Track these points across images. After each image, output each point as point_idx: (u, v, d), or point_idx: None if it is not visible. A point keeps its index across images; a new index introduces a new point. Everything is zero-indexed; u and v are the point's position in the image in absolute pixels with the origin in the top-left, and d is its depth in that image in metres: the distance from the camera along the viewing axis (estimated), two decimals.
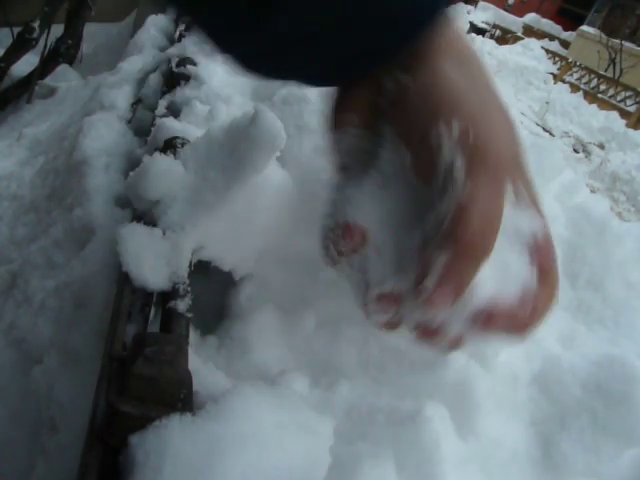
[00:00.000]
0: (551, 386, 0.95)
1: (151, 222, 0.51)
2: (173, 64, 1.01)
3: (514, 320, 0.22)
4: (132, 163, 0.89)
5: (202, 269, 0.83)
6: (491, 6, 12.62)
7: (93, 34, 3.33)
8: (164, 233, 0.49)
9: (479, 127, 0.20)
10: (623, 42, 9.93)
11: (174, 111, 0.82)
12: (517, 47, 8.55)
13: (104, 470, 0.53)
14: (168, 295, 0.70)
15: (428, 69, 0.23)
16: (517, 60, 7.33)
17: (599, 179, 4.27)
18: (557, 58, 8.86)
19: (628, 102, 7.61)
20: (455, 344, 0.22)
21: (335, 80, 0.27)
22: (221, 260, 0.85)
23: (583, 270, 1.24)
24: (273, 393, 0.62)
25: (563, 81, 7.85)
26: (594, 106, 6.48)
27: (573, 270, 1.24)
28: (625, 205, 3.98)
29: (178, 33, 1.33)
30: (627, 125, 6.22)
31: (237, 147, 0.49)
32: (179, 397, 0.57)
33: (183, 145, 0.55)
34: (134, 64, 1.20)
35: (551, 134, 5.24)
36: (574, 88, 7.54)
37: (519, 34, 10.42)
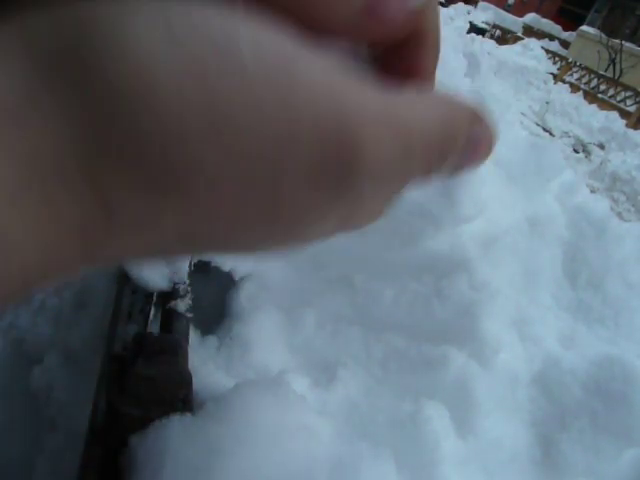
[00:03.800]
0: (551, 386, 0.95)
1: None
2: None
3: None
4: None
5: (202, 269, 0.83)
6: (491, 6, 12.61)
7: None
8: None
9: None
10: (623, 42, 9.92)
11: None
12: (517, 47, 8.53)
13: (104, 470, 0.53)
14: (168, 295, 0.70)
15: None
16: (517, 60, 7.31)
17: (599, 179, 4.26)
18: (557, 58, 8.85)
19: (628, 102, 7.60)
20: None
21: None
22: (221, 260, 0.85)
23: (583, 270, 1.24)
24: (273, 393, 0.62)
25: (563, 81, 7.84)
26: (594, 106, 6.47)
27: (573, 270, 1.24)
28: (625, 205, 3.97)
29: None
30: (627, 125, 6.21)
31: None
32: (179, 397, 0.57)
33: None
34: None
35: (551, 134, 5.23)
36: (574, 88, 7.53)
37: (519, 34, 10.41)
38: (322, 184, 0.12)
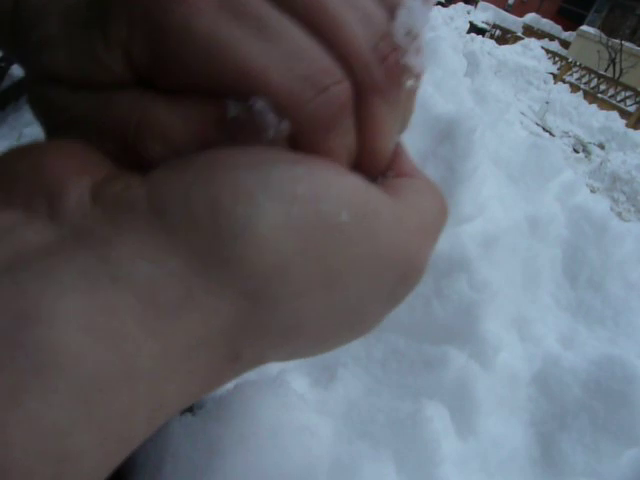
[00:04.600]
0: (551, 386, 0.95)
1: None
2: None
3: None
4: None
5: None
6: (491, 6, 12.60)
7: None
8: None
9: None
10: (623, 42, 9.92)
11: None
12: (517, 47, 8.52)
13: None
14: None
15: None
16: (517, 60, 7.30)
17: (599, 179, 4.26)
18: (557, 58, 8.84)
19: (628, 102, 7.59)
20: None
21: None
22: None
23: (583, 270, 1.24)
24: (273, 393, 0.62)
25: (563, 81, 7.83)
26: (594, 106, 6.46)
27: (573, 270, 1.24)
28: (625, 205, 3.97)
29: None
30: (627, 125, 6.21)
31: None
32: None
33: None
34: None
35: (551, 134, 5.23)
36: (574, 88, 7.52)
37: (519, 34, 10.40)
38: (393, 296, 0.16)
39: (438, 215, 0.17)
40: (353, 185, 0.13)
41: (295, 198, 0.12)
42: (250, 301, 0.12)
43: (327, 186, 0.13)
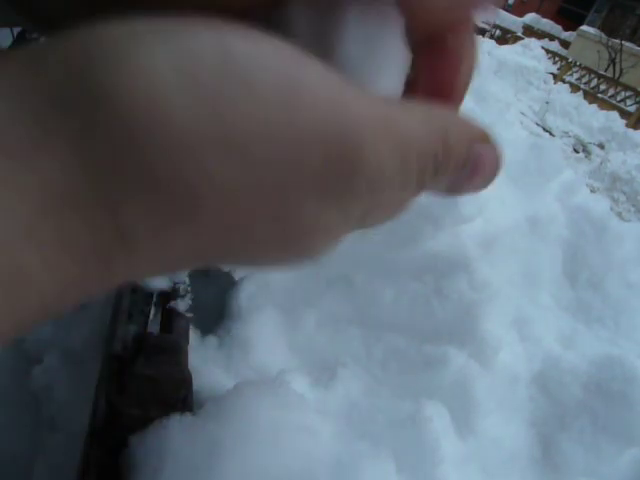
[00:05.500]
0: (551, 386, 0.95)
1: None
2: None
3: None
4: None
5: (202, 269, 0.83)
6: None
7: None
8: None
9: None
10: (623, 42, 9.91)
11: None
12: (517, 47, 8.52)
13: (104, 470, 0.53)
14: (168, 295, 0.70)
15: None
16: (517, 60, 7.30)
17: (599, 179, 4.26)
18: (557, 58, 8.84)
19: (628, 102, 7.59)
20: None
21: None
22: None
23: (583, 270, 1.24)
24: (273, 393, 0.62)
25: (563, 81, 7.83)
26: (594, 106, 6.46)
27: (573, 270, 1.24)
28: (625, 205, 3.97)
29: None
30: (627, 125, 6.21)
31: None
32: (179, 397, 0.57)
33: None
34: None
35: (551, 134, 5.22)
36: (574, 88, 7.52)
37: (519, 34, 10.39)
38: (327, 186, 0.12)
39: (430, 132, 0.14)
40: (283, 50, 0.12)
41: (189, 48, 0.10)
42: (120, 152, 0.10)
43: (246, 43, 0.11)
